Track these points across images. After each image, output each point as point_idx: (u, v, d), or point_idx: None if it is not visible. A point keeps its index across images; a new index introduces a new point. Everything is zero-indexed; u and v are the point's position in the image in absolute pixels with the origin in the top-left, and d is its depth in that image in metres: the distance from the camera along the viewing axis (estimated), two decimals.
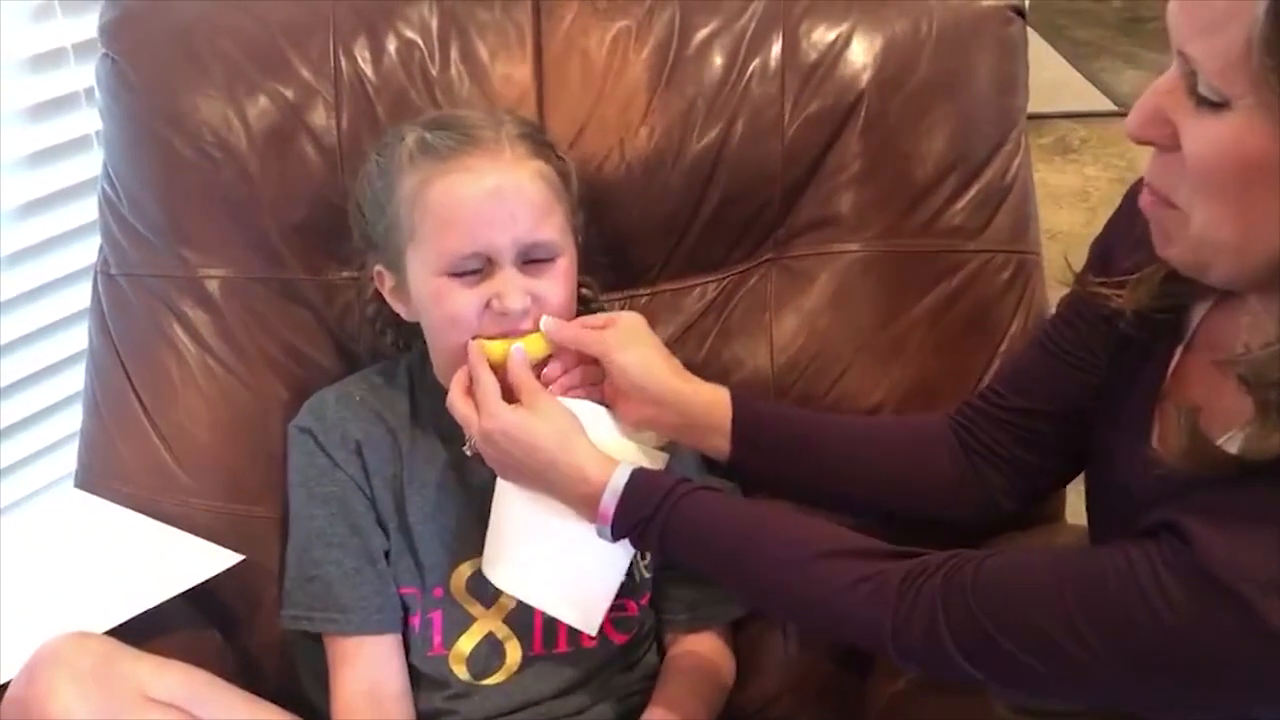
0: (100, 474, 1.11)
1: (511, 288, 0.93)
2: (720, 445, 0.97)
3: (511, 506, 0.95)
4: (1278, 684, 0.65)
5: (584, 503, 0.90)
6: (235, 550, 1.04)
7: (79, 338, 1.30)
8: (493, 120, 0.99)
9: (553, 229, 0.96)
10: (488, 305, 0.94)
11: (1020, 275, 1.13)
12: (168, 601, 0.98)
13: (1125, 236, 0.83)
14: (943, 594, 0.76)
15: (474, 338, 0.95)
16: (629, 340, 0.96)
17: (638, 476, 0.88)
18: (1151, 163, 0.70)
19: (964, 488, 0.96)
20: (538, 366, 0.96)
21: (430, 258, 0.95)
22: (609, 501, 0.88)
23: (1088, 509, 0.91)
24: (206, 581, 1.01)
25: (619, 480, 0.88)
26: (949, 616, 0.75)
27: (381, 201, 0.98)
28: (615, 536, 0.89)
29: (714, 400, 0.98)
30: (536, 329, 0.96)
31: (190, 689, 0.88)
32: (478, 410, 0.92)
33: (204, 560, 1.03)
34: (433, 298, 0.95)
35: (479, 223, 0.93)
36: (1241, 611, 0.63)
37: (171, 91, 1.09)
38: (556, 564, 0.95)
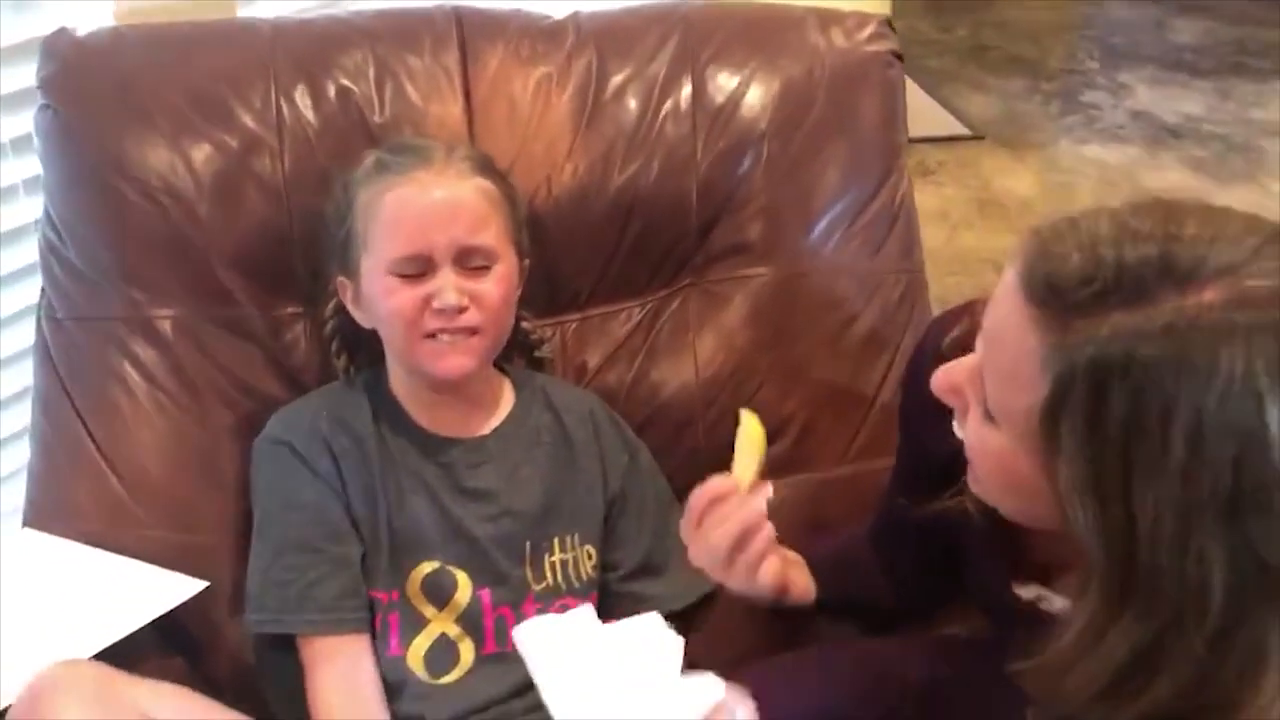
0: (52, 512, 1.13)
1: (447, 285, 1.02)
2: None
3: None
4: None
5: None
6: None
7: None
8: (446, 147, 1.09)
9: (489, 236, 1.05)
10: (427, 302, 1.02)
11: (909, 293, 1.26)
12: (134, 632, 1.01)
13: (924, 412, 0.85)
14: None
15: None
16: None
17: None
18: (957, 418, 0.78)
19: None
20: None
21: (379, 259, 1.04)
22: None
23: None
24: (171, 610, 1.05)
25: None
26: None
27: (343, 214, 1.07)
28: None
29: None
30: (475, 330, 1.03)
31: (189, 711, 0.92)
32: None
33: (169, 588, 1.06)
34: (380, 295, 1.04)
35: (420, 227, 1.03)
36: None
37: (117, 141, 1.13)
38: None
